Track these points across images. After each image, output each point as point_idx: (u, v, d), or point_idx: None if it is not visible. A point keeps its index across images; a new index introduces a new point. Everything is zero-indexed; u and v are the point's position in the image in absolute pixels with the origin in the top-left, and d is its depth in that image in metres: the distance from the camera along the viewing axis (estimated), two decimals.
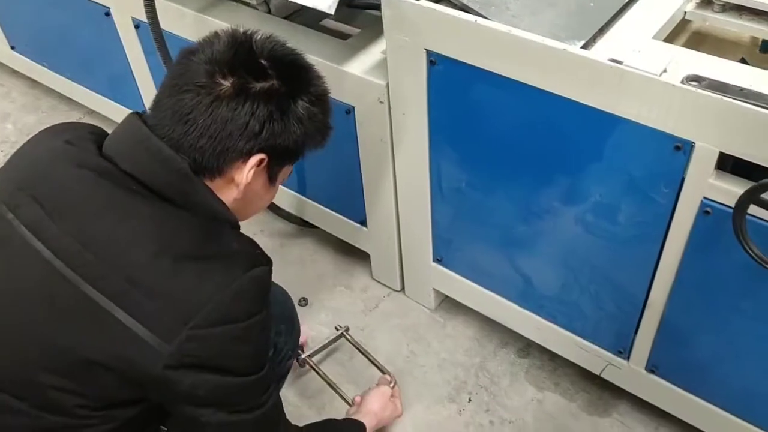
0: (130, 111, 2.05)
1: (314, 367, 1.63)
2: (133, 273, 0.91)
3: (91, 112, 2.43)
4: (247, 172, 0.98)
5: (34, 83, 2.56)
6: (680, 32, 1.46)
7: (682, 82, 1.04)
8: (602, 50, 1.14)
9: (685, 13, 1.36)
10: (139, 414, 1.01)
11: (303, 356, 1.62)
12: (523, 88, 1.18)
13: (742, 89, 1.01)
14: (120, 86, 2.08)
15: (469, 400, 1.62)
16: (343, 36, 1.61)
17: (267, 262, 1.00)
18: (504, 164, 1.33)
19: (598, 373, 1.52)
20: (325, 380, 1.61)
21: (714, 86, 1.03)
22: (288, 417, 1.18)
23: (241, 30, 1.01)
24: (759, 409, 1.30)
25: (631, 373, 1.45)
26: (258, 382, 1.01)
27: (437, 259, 1.65)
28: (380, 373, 1.62)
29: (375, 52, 1.46)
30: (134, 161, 0.97)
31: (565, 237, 1.34)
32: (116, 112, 2.21)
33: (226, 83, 0.95)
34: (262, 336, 1.00)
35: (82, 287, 0.90)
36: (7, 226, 0.96)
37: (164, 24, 1.50)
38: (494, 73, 1.20)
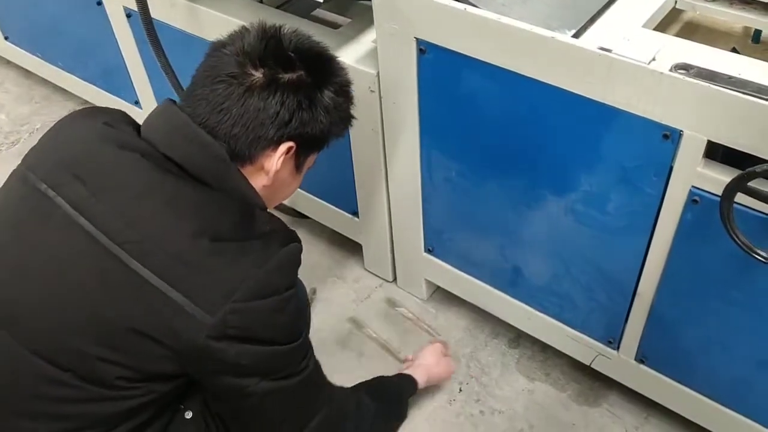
0: (124, 102, 2.05)
1: (369, 330, 1.70)
2: (177, 250, 0.94)
3: (85, 103, 2.42)
4: (276, 159, 1.03)
5: (28, 74, 2.55)
6: (672, 22, 1.46)
7: (670, 70, 1.03)
8: (592, 39, 1.14)
9: (676, 1, 1.35)
10: (171, 390, 1.04)
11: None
12: (513, 76, 1.18)
13: (730, 77, 1.01)
14: (113, 76, 2.08)
15: (460, 390, 1.62)
16: (334, 26, 1.60)
17: (298, 239, 1.05)
18: (494, 154, 1.33)
19: (588, 364, 1.52)
20: (378, 342, 1.68)
21: (702, 74, 1.02)
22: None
23: (268, 24, 1.05)
24: (747, 399, 1.31)
25: (620, 363, 1.45)
26: (297, 350, 1.05)
27: (429, 250, 1.65)
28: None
29: (366, 42, 1.45)
30: (173, 146, 1.00)
31: (554, 227, 1.34)
32: (110, 103, 2.20)
33: (258, 74, 1.00)
34: (298, 306, 1.04)
35: (129, 263, 0.93)
36: (49, 203, 0.98)
37: (155, 13, 1.50)
38: (483, 62, 1.20)
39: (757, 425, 1.31)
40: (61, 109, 2.47)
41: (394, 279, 1.83)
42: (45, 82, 2.51)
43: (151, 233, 0.95)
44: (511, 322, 1.63)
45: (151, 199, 0.97)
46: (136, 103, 2.07)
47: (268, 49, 1.01)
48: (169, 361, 0.97)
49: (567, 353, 1.56)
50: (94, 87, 2.22)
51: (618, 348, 1.44)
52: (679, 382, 1.38)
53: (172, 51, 1.53)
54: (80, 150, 1.03)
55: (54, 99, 2.52)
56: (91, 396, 0.97)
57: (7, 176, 1.08)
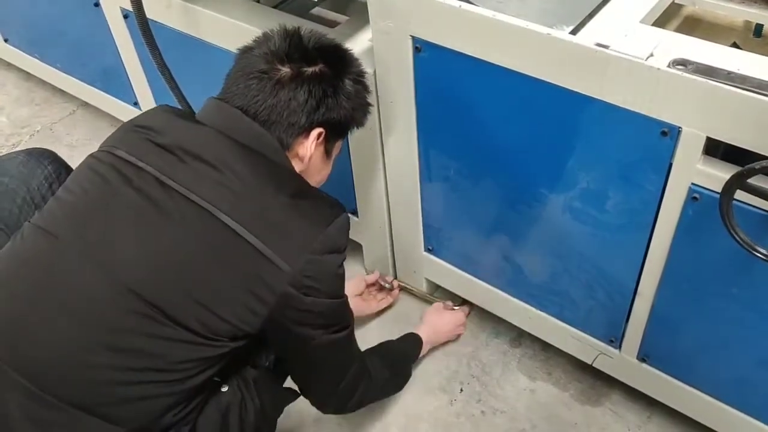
0: (123, 102, 2.04)
1: (406, 285, 1.77)
2: (260, 207, 1.06)
3: (85, 105, 2.43)
4: (310, 144, 1.15)
5: (28, 76, 2.55)
6: (672, 17, 1.45)
7: (668, 66, 1.02)
8: (589, 35, 1.13)
9: None
10: (227, 354, 1.11)
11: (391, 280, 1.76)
12: (510, 74, 1.16)
13: (729, 73, 1.00)
14: (111, 77, 2.07)
15: (461, 390, 1.61)
16: (331, 24, 1.60)
17: (345, 208, 1.17)
18: (492, 152, 1.32)
19: (590, 363, 1.51)
20: (418, 295, 1.77)
21: (701, 70, 1.01)
22: None
23: (289, 26, 1.18)
24: (750, 397, 1.29)
25: (622, 362, 1.44)
26: (347, 304, 1.20)
27: (429, 249, 1.64)
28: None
29: (363, 40, 1.44)
30: (234, 132, 1.11)
31: (554, 225, 1.33)
32: (109, 104, 2.21)
33: (285, 69, 1.12)
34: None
35: (220, 216, 1.03)
36: (137, 171, 1.07)
37: (150, 14, 1.49)
38: (480, 60, 1.19)
39: (759, 423, 1.30)
40: (61, 111, 2.47)
41: (395, 278, 1.82)
42: (45, 85, 2.50)
43: (236, 192, 1.06)
44: (512, 322, 1.62)
45: (231, 164, 1.07)
46: (135, 104, 2.07)
47: (292, 47, 1.13)
48: (254, 312, 1.06)
49: (568, 352, 1.55)
50: (94, 88, 2.21)
51: (620, 347, 1.42)
52: (682, 380, 1.37)
53: (169, 52, 1.52)
54: (158, 126, 1.13)
55: (54, 101, 2.51)
56: (175, 335, 1.04)
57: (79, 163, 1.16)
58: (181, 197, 1.05)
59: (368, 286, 1.74)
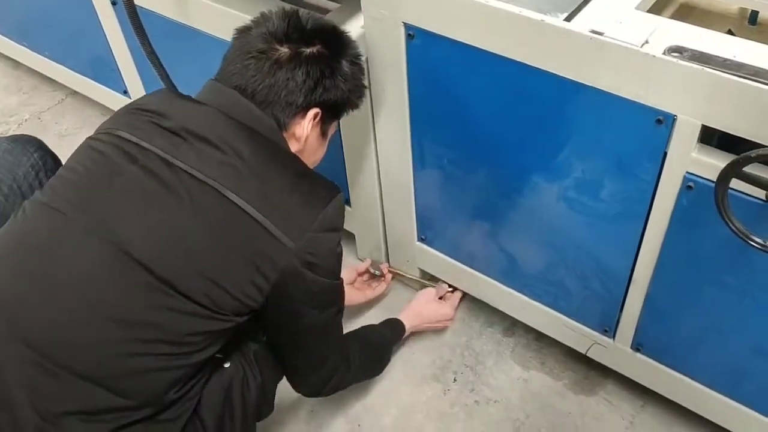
0: (112, 91, 2.01)
1: (398, 271, 1.76)
2: (263, 185, 1.07)
3: (74, 93, 2.40)
4: (306, 124, 1.15)
5: (16, 64, 2.52)
6: (668, 4, 1.43)
7: (663, 53, 1.01)
8: (583, 22, 1.11)
9: None
10: (231, 329, 1.11)
11: (385, 265, 1.75)
12: (503, 61, 1.15)
13: (725, 60, 0.98)
14: (100, 66, 2.04)
15: (455, 379, 1.60)
16: (323, 11, 1.57)
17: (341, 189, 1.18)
18: (485, 140, 1.31)
19: (584, 352, 1.50)
20: (414, 278, 1.75)
21: (696, 57, 0.99)
22: None
23: (287, 7, 1.18)
24: (744, 387, 1.29)
25: (616, 351, 1.43)
26: (342, 287, 1.21)
27: (422, 239, 1.63)
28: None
29: (355, 27, 1.41)
30: (234, 112, 1.11)
31: (547, 214, 1.32)
32: (98, 93, 2.18)
33: (283, 49, 1.13)
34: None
35: (225, 192, 1.04)
36: (141, 150, 1.07)
37: (139, 0, 1.47)
38: (473, 47, 1.17)
39: (753, 412, 1.30)
40: (49, 100, 2.44)
41: (387, 264, 1.80)
42: (33, 73, 2.47)
43: (239, 171, 1.06)
44: (506, 311, 1.61)
45: (234, 144, 1.08)
46: (125, 92, 2.05)
47: (290, 28, 1.14)
48: (258, 287, 1.06)
49: (562, 342, 1.55)
50: (82, 77, 2.18)
51: (614, 336, 1.42)
52: (676, 369, 1.36)
53: (159, 40, 1.50)
54: (162, 109, 1.13)
55: (42, 89, 2.48)
56: (181, 307, 1.04)
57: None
58: (187, 175, 1.05)
59: (360, 274, 1.73)
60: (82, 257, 1.03)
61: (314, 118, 1.16)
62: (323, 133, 1.23)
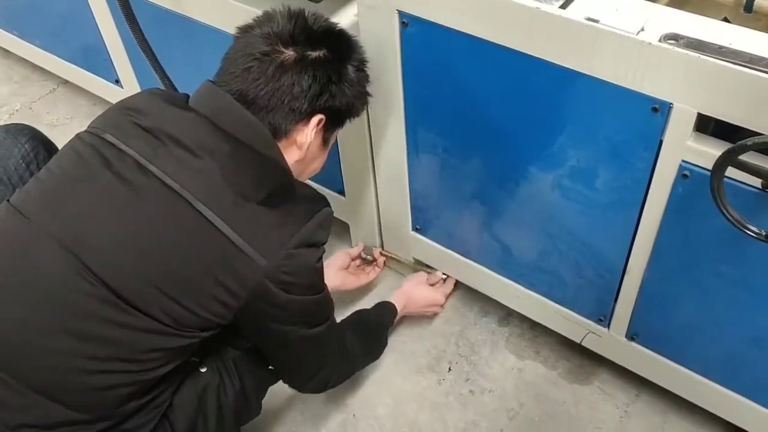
0: (104, 80, 1.99)
1: (391, 254, 1.74)
2: (237, 199, 1.03)
3: (65, 83, 2.38)
4: (310, 131, 1.11)
5: (7, 53, 2.49)
6: None
7: (659, 40, 1.00)
8: (579, 9, 1.10)
9: None
10: (198, 343, 1.09)
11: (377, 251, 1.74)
12: (498, 49, 1.14)
13: (720, 47, 0.98)
14: (92, 55, 2.02)
15: (449, 369, 1.60)
16: None
17: (329, 204, 1.16)
18: (480, 129, 1.30)
19: (578, 341, 1.50)
20: (407, 263, 1.73)
21: (692, 45, 0.99)
22: None
23: (292, 7, 1.13)
24: (738, 376, 1.29)
25: (611, 340, 1.43)
26: (327, 299, 1.20)
27: (416, 228, 1.63)
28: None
29: (348, 15, 1.40)
30: (223, 121, 1.07)
31: (542, 203, 1.32)
32: (89, 82, 2.16)
33: (288, 52, 1.08)
34: (323, 262, 1.16)
35: (196, 205, 1.01)
36: (118, 153, 1.05)
37: None
38: (468, 35, 1.16)
39: (748, 401, 1.30)
40: (40, 90, 2.42)
41: (381, 249, 1.80)
42: (24, 62, 2.45)
43: (215, 182, 1.03)
44: (500, 300, 1.61)
45: (213, 153, 1.04)
46: (117, 82, 2.03)
47: (297, 29, 1.09)
48: (224, 304, 1.04)
49: (557, 331, 1.55)
50: (74, 66, 2.16)
51: (608, 325, 1.42)
52: (670, 359, 1.37)
53: (151, 28, 1.48)
54: (146, 108, 1.09)
55: (33, 79, 2.46)
56: (140, 325, 1.01)
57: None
58: (159, 182, 1.02)
59: (353, 259, 1.71)
60: (42, 266, 1.01)
61: (318, 125, 1.12)
62: (325, 141, 1.18)
